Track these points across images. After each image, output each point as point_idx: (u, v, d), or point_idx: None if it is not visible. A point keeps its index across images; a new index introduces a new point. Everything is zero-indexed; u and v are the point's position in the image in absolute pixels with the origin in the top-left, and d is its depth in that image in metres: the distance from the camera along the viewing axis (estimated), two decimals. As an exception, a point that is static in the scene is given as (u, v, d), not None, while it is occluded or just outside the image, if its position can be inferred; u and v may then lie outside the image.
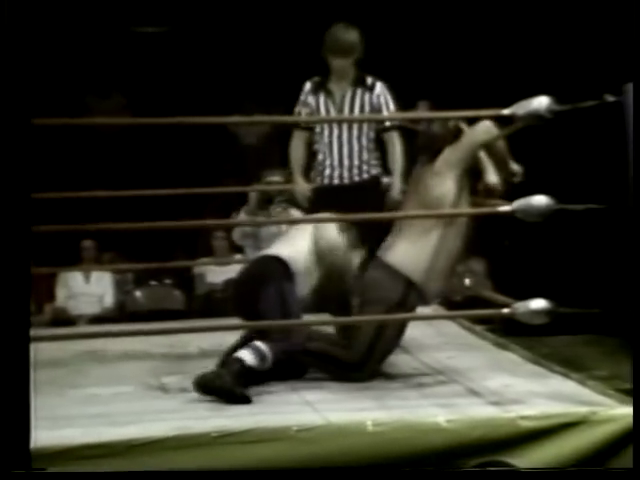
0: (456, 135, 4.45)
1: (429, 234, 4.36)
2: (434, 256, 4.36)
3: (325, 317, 4.77)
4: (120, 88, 9.99)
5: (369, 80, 4.92)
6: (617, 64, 5.46)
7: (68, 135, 8.88)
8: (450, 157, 4.40)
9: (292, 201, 5.28)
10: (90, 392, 4.33)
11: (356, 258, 4.60)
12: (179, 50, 9.80)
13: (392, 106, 4.93)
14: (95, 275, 8.48)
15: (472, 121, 4.45)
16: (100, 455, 3.48)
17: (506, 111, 4.15)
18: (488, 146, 4.44)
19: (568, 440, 3.72)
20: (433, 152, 4.46)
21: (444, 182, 4.37)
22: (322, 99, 4.95)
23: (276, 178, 6.50)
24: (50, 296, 8.42)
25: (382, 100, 4.92)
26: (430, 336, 5.24)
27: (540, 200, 4.06)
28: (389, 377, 4.43)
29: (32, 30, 3.36)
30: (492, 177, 4.51)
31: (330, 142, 4.93)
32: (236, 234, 7.28)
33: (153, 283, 8.77)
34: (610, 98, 3.87)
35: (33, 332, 3.39)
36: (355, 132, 4.92)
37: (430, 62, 9.05)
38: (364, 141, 4.93)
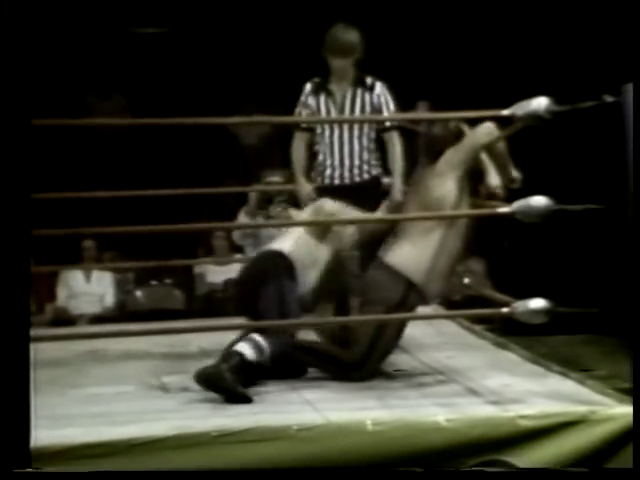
0: (457, 136, 4.46)
1: (430, 235, 4.37)
2: (435, 257, 4.37)
3: (326, 315, 4.77)
4: (121, 89, 10.00)
5: (369, 80, 4.93)
6: (616, 65, 5.46)
7: (69, 135, 8.89)
8: (451, 158, 4.41)
9: (292, 201, 5.29)
10: (91, 391, 4.34)
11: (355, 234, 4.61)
12: (179, 51, 9.80)
13: (392, 106, 4.93)
14: (96, 275, 8.50)
15: (473, 122, 4.45)
16: (100, 454, 3.48)
17: (505, 112, 4.17)
18: (489, 148, 4.44)
19: (567, 439, 3.72)
20: (434, 154, 4.47)
21: (445, 183, 4.38)
22: (322, 100, 4.96)
23: (276, 178, 6.51)
24: (51, 296, 8.43)
25: (382, 100, 4.92)
26: (430, 335, 5.25)
27: (539, 201, 4.07)
28: (389, 377, 4.44)
29: (32, 30, 3.36)
30: (494, 179, 4.52)
31: (331, 142, 4.94)
32: (236, 234, 7.30)
33: (154, 283, 8.79)
34: (609, 99, 3.87)
35: (34, 332, 3.40)
36: (356, 132, 4.93)
37: (430, 63, 9.06)
38: (365, 141, 4.94)
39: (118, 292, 8.60)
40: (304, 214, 4.73)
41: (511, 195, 4.45)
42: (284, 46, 9.22)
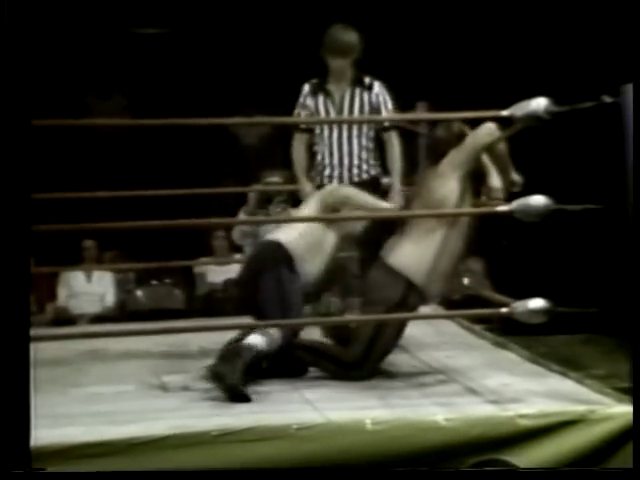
0: (459, 138, 4.46)
1: (431, 236, 4.37)
2: (436, 258, 4.37)
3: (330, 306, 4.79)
4: (121, 89, 10.00)
5: (367, 80, 4.94)
6: (614, 65, 5.48)
7: (69, 136, 8.90)
8: (453, 159, 4.41)
9: (291, 201, 5.30)
10: (91, 391, 4.35)
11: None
12: (180, 51, 9.81)
13: (390, 105, 4.95)
14: (96, 274, 8.51)
15: (474, 124, 4.46)
16: (101, 454, 3.49)
17: (505, 112, 4.18)
18: (490, 149, 4.45)
19: (566, 438, 3.73)
20: (437, 155, 4.48)
21: (447, 183, 4.38)
22: (321, 100, 4.97)
23: (275, 179, 6.52)
24: (52, 295, 8.44)
25: (381, 99, 4.94)
26: (429, 335, 5.26)
27: (538, 200, 4.08)
28: (388, 376, 4.45)
29: (33, 31, 3.37)
30: (495, 180, 4.52)
31: (330, 142, 4.95)
32: (236, 234, 7.30)
33: (154, 282, 8.79)
34: (608, 99, 3.88)
35: (35, 332, 3.41)
36: (355, 131, 4.94)
37: (429, 63, 9.06)
38: (364, 141, 4.95)
39: (119, 292, 8.62)
40: (316, 197, 4.70)
41: (511, 194, 4.47)
42: (284, 47, 9.22)
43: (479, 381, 4.33)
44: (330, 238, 4.55)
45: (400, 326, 4.48)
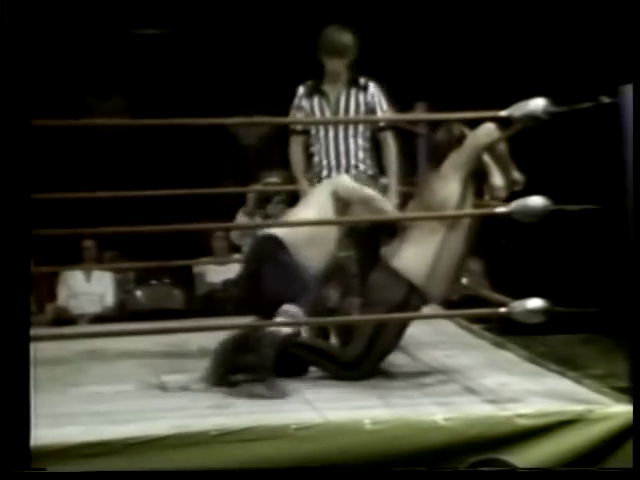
0: (460, 140, 4.47)
1: (432, 238, 4.37)
2: (438, 260, 4.37)
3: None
4: (120, 90, 10.01)
5: (362, 80, 4.95)
6: (612, 66, 5.48)
7: (69, 136, 8.90)
8: (455, 161, 4.42)
9: (289, 201, 5.31)
10: (90, 390, 4.36)
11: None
12: (179, 52, 9.81)
13: (385, 105, 4.95)
14: (96, 274, 8.50)
15: (474, 125, 4.47)
16: (100, 453, 3.50)
17: (503, 113, 4.18)
18: (491, 149, 4.46)
19: (564, 438, 3.74)
20: (439, 158, 4.49)
21: (449, 185, 4.39)
22: (316, 101, 4.97)
23: (274, 179, 6.53)
24: (51, 295, 8.44)
25: (376, 100, 4.94)
26: (428, 335, 5.26)
27: (536, 201, 4.09)
28: (387, 375, 4.46)
29: (33, 31, 3.38)
30: (497, 180, 4.53)
31: (326, 143, 4.95)
32: (234, 234, 7.32)
33: (154, 282, 8.80)
34: (606, 100, 3.89)
35: (34, 331, 3.42)
36: (351, 132, 4.94)
37: (428, 64, 9.06)
38: (360, 141, 4.95)
39: (118, 292, 8.62)
40: (324, 187, 4.70)
41: (513, 193, 4.47)
42: (284, 47, 9.22)
43: (477, 381, 4.34)
44: (332, 231, 4.54)
45: (401, 327, 4.49)
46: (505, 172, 4.52)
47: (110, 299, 8.49)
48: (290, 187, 5.48)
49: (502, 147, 4.49)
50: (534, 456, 3.71)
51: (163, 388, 4.37)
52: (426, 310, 5.14)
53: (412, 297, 4.39)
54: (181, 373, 4.53)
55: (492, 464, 3.63)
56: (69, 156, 9.45)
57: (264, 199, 6.61)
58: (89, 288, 8.46)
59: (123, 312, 8.46)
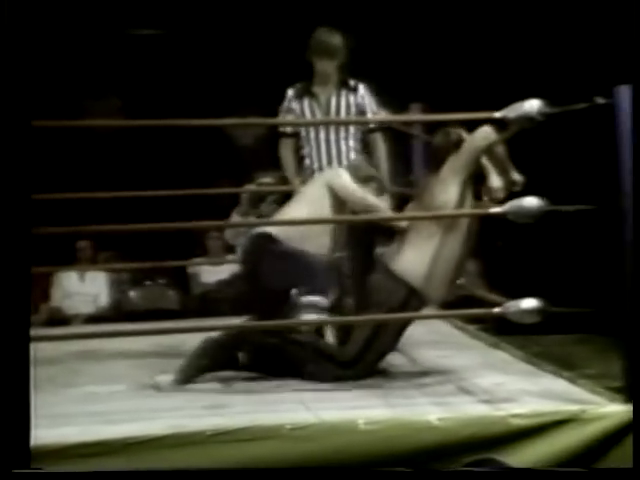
0: (458, 144, 4.48)
1: (431, 241, 4.38)
2: (436, 263, 4.37)
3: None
4: (116, 90, 10.00)
5: (352, 82, 4.96)
6: (608, 67, 5.49)
7: (64, 136, 8.89)
8: (454, 164, 4.43)
9: (283, 200, 5.32)
10: (86, 391, 4.36)
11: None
12: (175, 53, 9.81)
13: (375, 107, 4.96)
14: (90, 275, 8.50)
15: (471, 127, 4.47)
16: (96, 453, 3.49)
17: (498, 114, 4.19)
18: (488, 151, 4.47)
19: (559, 438, 3.74)
20: (438, 163, 4.50)
21: (448, 188, 4.39)
22: (306, 103, 4.98)
23: (268, 179, 6.53)
24: (45, 296, 8.44)
25: (366, 101, 4.95)
26: (422, 335, 5.26)
27: (531, 202, 4.10)
28: (382, 376, 4.46)
29: (31, 32, 3.38)
30: (495, 181, 4.53)
31: (317, 145, 4.95)
32: (229, 233, 7.30)
33: (148, 283, 8.79)
34: (601, 100, 3.90)
35: (33, 332, 3.41)
36: (342, 133, 4.95)
37: (423, 65, 9.07)
38: (351, 142, 4.97)
39: (113, 292, 8.61)
40: (315, 181, 4.69)
41: (511, 194, 4.48)
42: (280, 49, 9.22)
43: (472, 381, 4.35)
44: (327, 225, 4.54)
45: (400, 329, 4.49)
46: (504, 174, 4.53)
47: (104, 299, 8.49)
48: (284, 188, 5.48)
49: (500, 149, 4.50)
50: (528, 456, 3.72)
51: (158, 388, 4.37)
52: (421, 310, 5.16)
53: (411, 300, 4.40)
54: (176, 373, 4.53)
55: (486, 464, 3.63)
56: (64, 157, 9.44)
57: (258, 199, 6.61)
58: (83, 288, 8.46)
59: (118, 312, 8.45)
